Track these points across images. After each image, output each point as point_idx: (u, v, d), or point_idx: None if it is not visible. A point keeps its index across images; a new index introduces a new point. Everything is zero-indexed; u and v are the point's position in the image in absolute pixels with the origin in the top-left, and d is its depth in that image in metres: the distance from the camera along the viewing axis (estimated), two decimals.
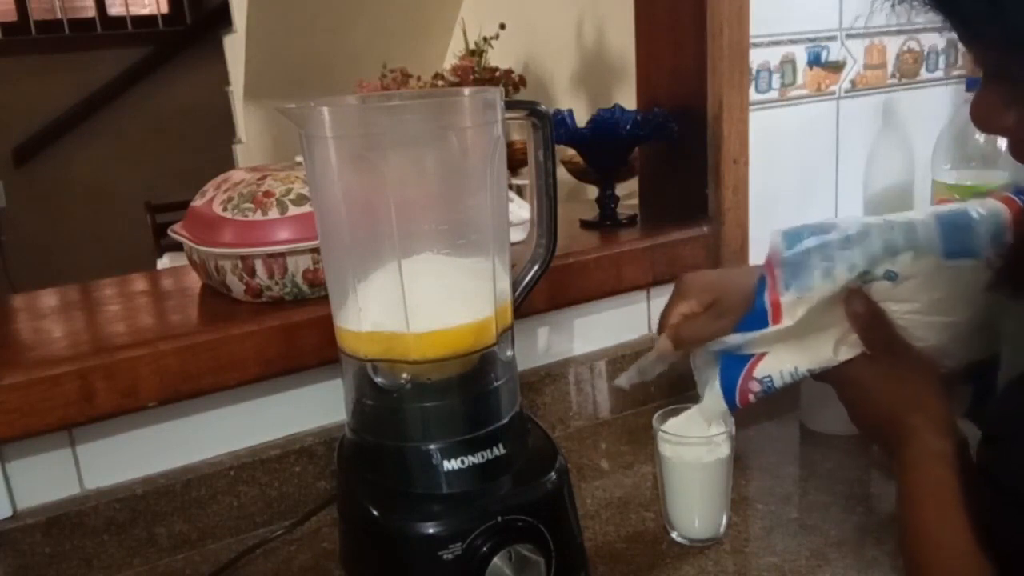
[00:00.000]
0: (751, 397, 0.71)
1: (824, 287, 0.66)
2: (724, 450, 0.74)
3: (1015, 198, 0.69)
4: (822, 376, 0.69)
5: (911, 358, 0.65)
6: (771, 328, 0.68)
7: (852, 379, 0.67)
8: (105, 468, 0.78)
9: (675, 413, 0.77)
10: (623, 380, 0.81)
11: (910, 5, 0.54)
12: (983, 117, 0.55)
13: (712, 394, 0.73)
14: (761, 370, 0.70)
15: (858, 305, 0.66)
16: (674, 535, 0.77)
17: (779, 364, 0.69)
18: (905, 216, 0.68)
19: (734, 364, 0.71)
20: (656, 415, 0.77)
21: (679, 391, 1.03)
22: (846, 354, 0.67)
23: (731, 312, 0.71)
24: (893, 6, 0.55)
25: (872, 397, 0.67)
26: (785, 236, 0.69)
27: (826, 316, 0.67)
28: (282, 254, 0.79)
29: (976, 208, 0.68)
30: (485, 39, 2.30)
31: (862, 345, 0.67)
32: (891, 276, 0.66)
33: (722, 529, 0.76)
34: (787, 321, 0.67)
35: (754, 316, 0.69)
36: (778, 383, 0.70)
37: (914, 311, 0.66)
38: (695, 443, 0.74)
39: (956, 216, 0.67)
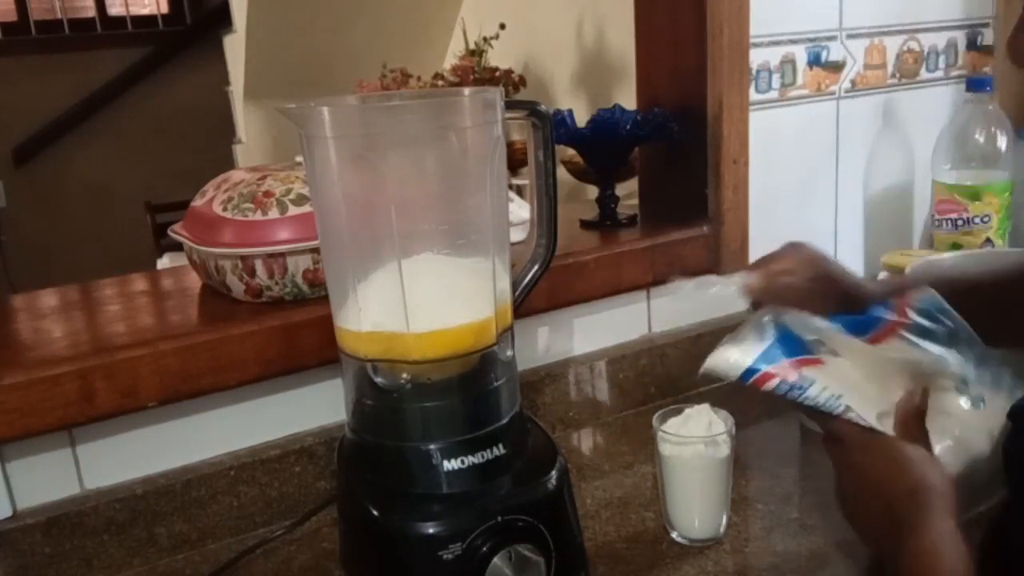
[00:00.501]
0: (773, 381, 0.68)
1: (926, 359, 0.65)
2: (724, 450, 0.74)
3: None
4: (832, 442, 0.67)
5: (921, 453, 0.63)
6: (860, 342, 0.66)
7: (879, 446, 0.64)
8: (105, 468, 0.78)
9: (675, 413, 0.77)
10: (678, 286, 0.74)
11: None
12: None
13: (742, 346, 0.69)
14: (808, 374, 0.67)
15: (911, 401, 0.65)
16: (674, 535, 0.77)
17: (828, 381, 0.67)
18: None
19: (793, 346, 0.68)
20: (656, 415, 0.77)
21: (679, 391, 1.03)
22: (880, 423, 0.66)
23: (829, 298, 0.69)
24: None
25: (896, 466, 0.62)
26: (930, 300, 0.66)
27: (892, 381, 0.66)
28: (282, 254, 0.79)
29: None
30: (485, 39, 2.30)
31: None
32: (979, 403, 0.65)
33: (722, 529, 0.76)
34: (879, 352, 0.66)
35: (859, 322, 0.67)
36: (813, 392, 0.67)
37: (956, 438, 0.66)
38: (695, 443, 0.74)
39: None
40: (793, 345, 0.68)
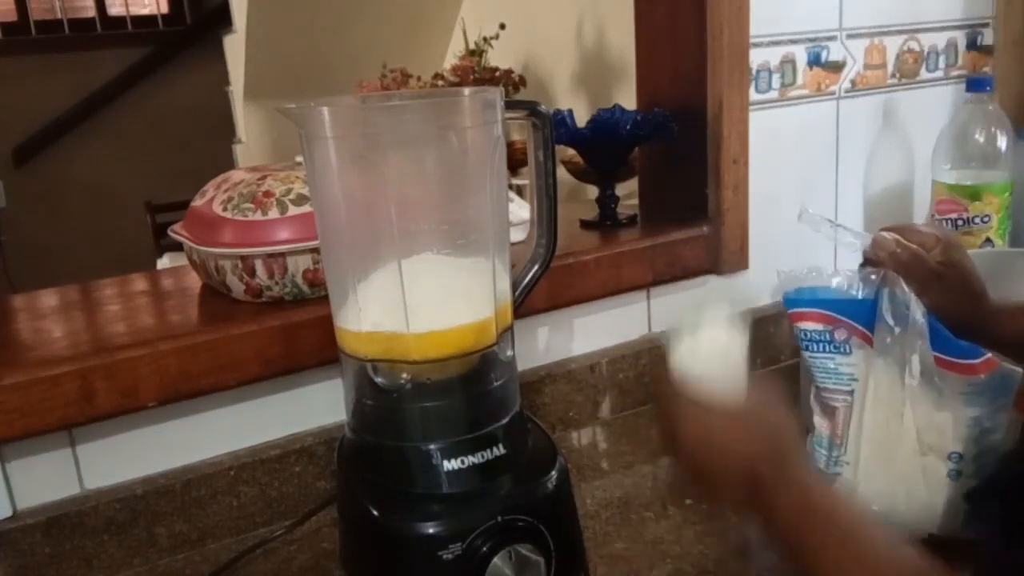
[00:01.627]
0: (801, 323, 0.69)
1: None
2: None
3: None
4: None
5: (780, 417, 0.58)
6: (938, 362, 0.67)
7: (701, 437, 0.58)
8: (105, 468, 0.78)
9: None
10: (808, 216, 0.74)
11: None
12: None
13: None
14: (850, 340, 0.69)
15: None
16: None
17: (861, 362, 0.69)
18: None
19: (869, 310, 0.68)
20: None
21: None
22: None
23: (944, 289, 0.68)
24: None
25: (728, 449, 0.57)
26: None
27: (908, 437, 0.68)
28: (282, 254, 0.79)
29: None
30: (485, 39, 2.30)
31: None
32: (955, 458, 0.68)
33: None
34: (949, 387, 0.67)
35: (947, 339, 0.67)
36: (838, 360, 0.69)
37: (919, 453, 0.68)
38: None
39: None
40: (869, 310, 0.69)
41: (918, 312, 0.67)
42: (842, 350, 0.70)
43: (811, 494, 0.54)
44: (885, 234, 0.72)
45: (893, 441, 0.69)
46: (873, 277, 0.71)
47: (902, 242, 0.72)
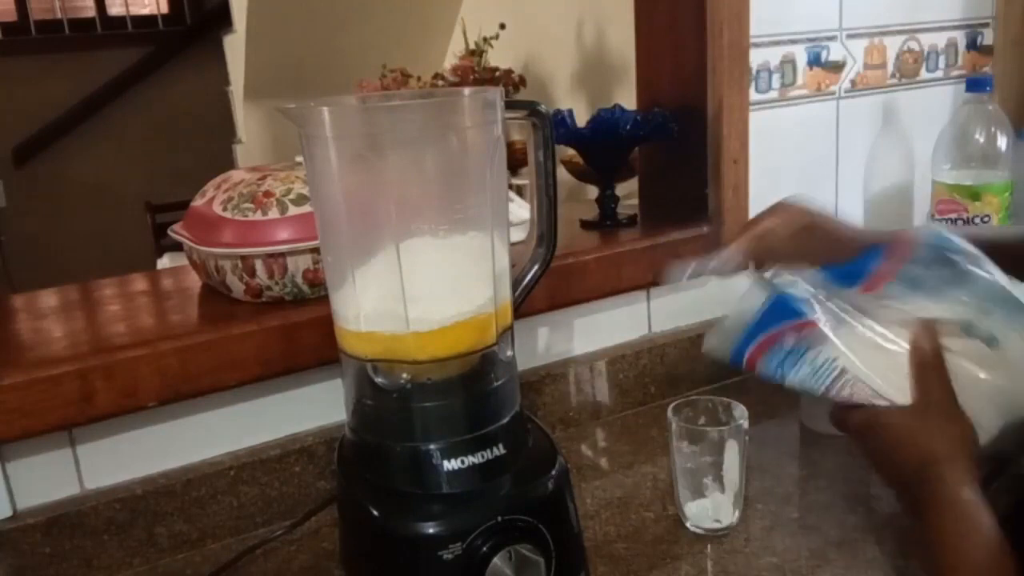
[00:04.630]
0: (765, 357, 0.67)
1: (925, 302, 0.64)
2: (739, 440, 0.75)
3: None
4: (842, 425, 0.67)
5: (950, 415, 0.63)
6: (856, 292, 0.65)
7: (883, 426, 0.64)
8: (105, 468, 0.78)
9: (689, 405, 0.77)
10: (676, 274, 0.74)
11: None
12: None
13: (729, 329, 0.69)
14: (804, 336, 0.66)
15: (925, 342, 0.64)
16: (688, 524, 0.77)
17: (822, 343, 0.65)
18: None
19: (785, 311, 0.67)
20: (671, 407, 0.77)
21: (680, 391, 1.03)
22: (888, 388, 0.64)
23: (816, 249, 0.68)
24: None
25: (902, 446, 0.63)
26: (936, 236, 0.66)
27: (893, 340, 0.65)
28: (282, 254, 0.79)
29: None
30: (485, 39, 2.30)
31: (906, 388, 0.64)
32: (993, 341, 0.64)
33: (735, 518, 0.77)
34: (874, 300, 0.65)
35: (848, 271, 0.66)
36: (808, 356, 0.66)
37: (989, 385, 0.64)
38: (711, 432, 0.75)
39: None
40: (787, 307, 0.67)
41: (814, 275, 0.67)
42: (803, 349, 0.68)
43: (961, 510, 0.58)
44: (737, 242, 0.73)
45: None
46: (759, 275, 0.71)
47: (751, 240, 0.72)
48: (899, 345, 0.65)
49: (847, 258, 0.68)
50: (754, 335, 0.68)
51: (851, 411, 0.66)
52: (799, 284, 0.67)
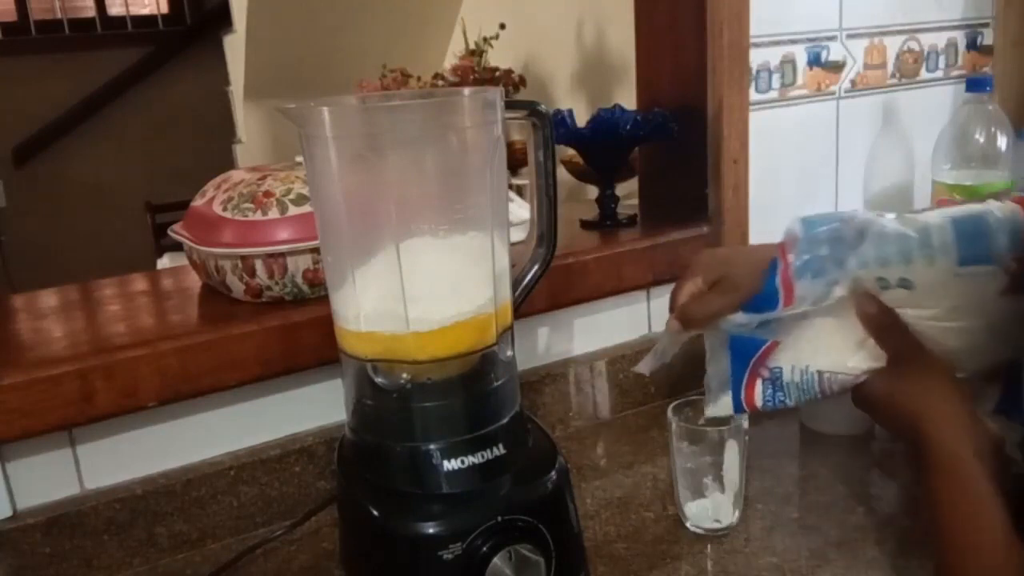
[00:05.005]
0: (757, 391, 0.70)
1: (836, 281, 0.66)
2: (739, 439, 0.75)
3: None
4: (858, 405, 0.69)
5: (925, 363, 0.65)
6: (781, 310, 0.67)
7: (871, 397, 0.67)
8: (105, 468, 0.78)
9: (689, 406, 0.77)
10: (643, 366, 0.79)
11: None
12: None
13: (720, 392, 0.73)
14: (773, 360, 0.69)
15: (870, 307, 0.66)
16: (688, 524, 0.77)
17: (792, 358, 0.69)
18: (921, 220, 0.66)
19: (745, 348, 0.70)
20: (671, 407, 0.77)
21: (679, 392, 1.03)
22: (861, 360, 0.67)
23: (738, 288, 0.70)
24: None
25: (890, 409, 0.66)
26: (804, 223, 0.68)
27: (841, 318, 0.67)
28: (282, 254, 0.79)
29: (993, 212, 0.66)
30: (485, 39, 2.30)
31: (877, 353, 0.67)
32: (906, 284, 0.65)
33: (735, 518, 0.77)
34: (798, 306, 0.67)
35: (765, 297, 0.68)
36: (786, 376, 0.69)
37: (930, 318, 0.66)
38: (711, 433, 0.75)
39: (972, 221, 0.65)
40: (746, 344, 0.70)
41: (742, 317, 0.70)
42: (778, 372, 0.70)
43: (951, 469, 0.61)
44: (672, 320, 0.75)
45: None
46: (710, 343, 0.74)
47: (682, 309, 0.74)
48: (847, 319, 0.67)
49: (761, 286, 0.70)
50: (739, 382, 0.71)
51: (856, 390, 0.68)
52: (734, 320, 0.70)
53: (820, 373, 0.68)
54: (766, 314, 0.68)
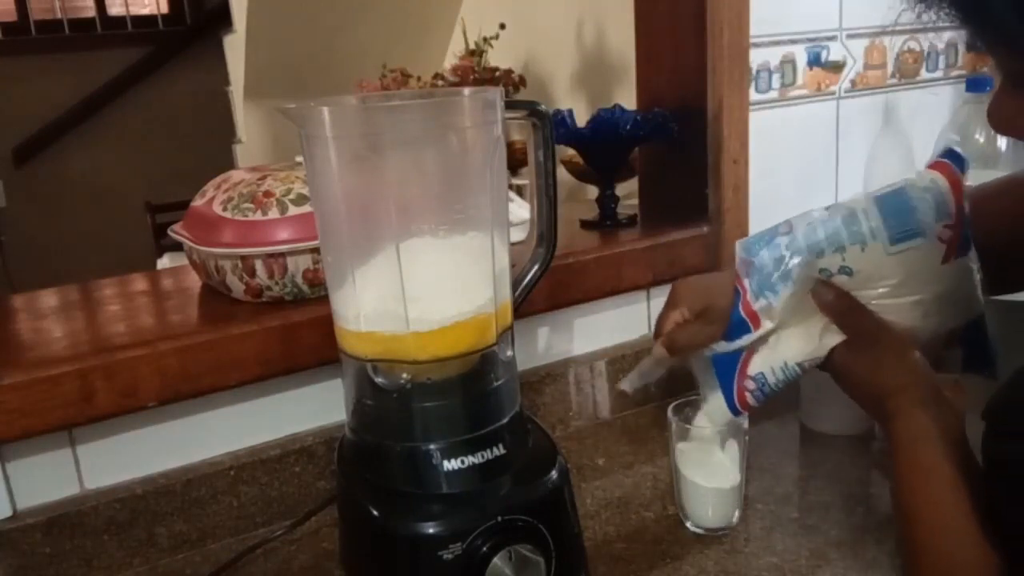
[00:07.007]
0: (748, 397, 0.72)
1: (787, 286, 0.68)
2: (738, 439, 0.75)
3: (949, 163, 0.69)
4: (823, 367, 0.70)
5: (887, 338, 0.66)
6: (754, 334, 0.70)
7: (838, 368, 0.69)
8: (105, 468, 0.78)
9: (689, 406, 0.78)
10: (626, 384, 0.83)
11: (937, 8, 0.54)
12: (1004, 121, 0.56)
13: (715, 399, 0.74)
14: (753, 367, 0.71)
15: (827, 295, 0.68)
16: (688, 524, 0.77)
17: (768, 360, 0.71)
18: (847, 206, 0.68)
19: (727, 364, 0.73)
20: (671, 407, 0.78)
21: (679, 392, 1.02)
22: (830, 340, 0.68)
23: (722, 318, 0.72)
24: (919, 14, 0.55)
25: (857, 382, 0.68)
26: (744, 246, 0.71)
27: (803, 310, 0.69)
28: (282, 254, 0.79)
29: (915, 184, 0.68)
30: (485, 39, 2.30)
31: (839, 333, 0.68)
32: (847, 271, 0.67)
33: (735, 519, 0.77)
34: (767, 324, 0.69)
35: (735, 327, 0.71)
36: (771, 379, 0.71)
37: (879, 297, 0.68)
38: (711, 433, 0.75)
39: (895, 199, 0.68)
40: (726, 360, 0.73)
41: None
42: (762, 379, 0.72)
43: (916, 444, 0.62)
44: (659, 347, 0.78)
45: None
46: (697, 367, 0.76)
47: (669, 338, 0.77)
48: (809, 309, 0.69)
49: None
50: (730, 392, 0.73)
51: (826, 360, 0.70)
52: (716, 348, 0.73)
53: (800, 364, 0.70)
54: (745, 338, 0.70)
